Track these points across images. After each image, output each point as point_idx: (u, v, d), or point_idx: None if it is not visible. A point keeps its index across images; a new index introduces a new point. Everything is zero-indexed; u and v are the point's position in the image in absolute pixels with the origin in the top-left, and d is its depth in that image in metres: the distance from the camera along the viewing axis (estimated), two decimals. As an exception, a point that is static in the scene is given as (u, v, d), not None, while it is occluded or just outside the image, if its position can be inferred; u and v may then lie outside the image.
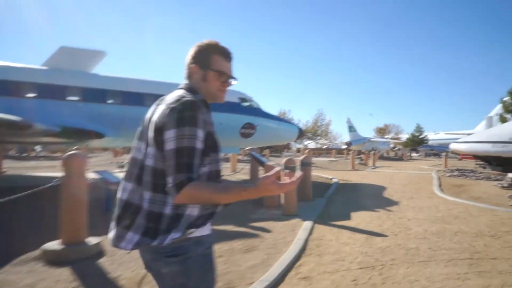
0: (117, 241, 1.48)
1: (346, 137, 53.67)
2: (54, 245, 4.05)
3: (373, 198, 9.32)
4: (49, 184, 4.67)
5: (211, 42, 1.63)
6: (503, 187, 12.18)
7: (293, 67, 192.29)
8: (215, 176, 1.51)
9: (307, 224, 6.00)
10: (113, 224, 1.53)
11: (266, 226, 5.88)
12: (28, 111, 8.66)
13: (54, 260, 3.86)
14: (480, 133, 12.84)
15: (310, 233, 5.50)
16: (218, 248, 4.44)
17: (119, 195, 1.54)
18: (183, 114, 1.39)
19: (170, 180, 1.35)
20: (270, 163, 8.52)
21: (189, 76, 1.63)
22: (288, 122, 14.31)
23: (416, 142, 59.40)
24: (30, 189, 4.52)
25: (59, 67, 9.92)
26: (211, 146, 1.48)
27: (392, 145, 60.51)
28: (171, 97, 1.50)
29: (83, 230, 4.23)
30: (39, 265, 3.81)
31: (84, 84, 9.84)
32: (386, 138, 66.21)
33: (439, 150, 49.38)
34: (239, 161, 32.46)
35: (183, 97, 1.46)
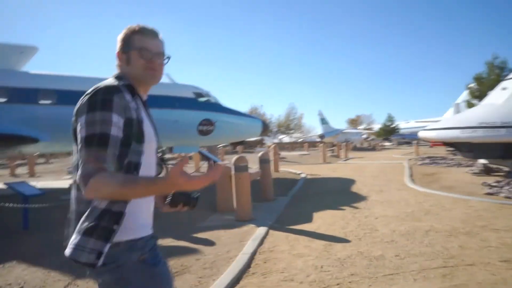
0: (76, 253, 1.28)
1: (319, 130, 53.40)
2: None
3: (341, 194, 8.61)
4: None
5: (131, 25, 1.50)
6: (474, 173, 11.80)
7: (263, 62, 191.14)
8: (133, 169, 1.33)
9: (260, 231, 5.18)
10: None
11: (211, 237, 5.01)
12: None
13: None
14: (448, 119, 12.38)
15: (261, 243, 4.68)
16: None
17: (71, 206, 1.39)
18: (95, 98, 1.28)
19: (79, 171, 1.21)
20: (226, 161, 7.67)
21: (118, 64, 1.50)
22: (250, 116, 13.46)
23: (388, 132, 60.18)
24: None
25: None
26: (134, 135, 1.33)
27: (365, 136, 60.87)
28: (95, 85, 1.36)
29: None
30: None
31: (10, 83, 8.64)
32: (359, 129, 66.59)
33: (411, 138, 49.87)
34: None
35: (101, 83, 1.35)
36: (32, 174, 16.54)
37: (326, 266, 3.75)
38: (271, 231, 5.29)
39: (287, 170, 14.87)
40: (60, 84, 9.22)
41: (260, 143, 62.08)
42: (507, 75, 24.51)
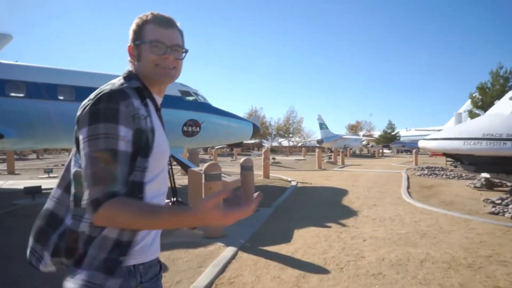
0: (31, 256, 1.20)
1: (319, 134, 52.65)
2: None
3: (330, 207, 7.85)
4: None
5: (139, 17, 1.26)
6: (475, 187, 11.07)
7: (264, 64, 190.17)
8: (137, 191, 1.13)
9: (227, 253, 4.43)
10: (30, 238, 1.21)
11: (167, 260, 4.25)
12: None
13: None
14: (450, 129, 11.63)
15: (222, 270, 3.92)
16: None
17: (46, 204, 1.24)
18: (97, 107, 1.07)
19: (84, 195, 1.03)
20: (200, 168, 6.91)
21: (128, 61, 1.30)
22: (241, 118, 12.70)
23: (388, 139, 59.36)
24: None
25: None
26: (142, 148, 1.13)
27: (365, 142, 60.11)
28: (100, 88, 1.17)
29: None
30: None
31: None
32: (359, 135, 65.84)
33: (411, 147, 49.09)
34: (219, 155, 30.87)
35: (105, 86, 1.16)
36: (11, 171, 15.79)
37: (293, 310, 3.00)
38: (240, 253, 4.54)
39: (278, 176, 14.10)
40: (31, 76, 8.48)
41: (258, 145, 61.45)
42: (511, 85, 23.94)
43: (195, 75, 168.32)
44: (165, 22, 1.25)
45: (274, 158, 25.39)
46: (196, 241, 5.04)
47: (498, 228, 5.80)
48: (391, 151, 57.44)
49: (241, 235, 5.32)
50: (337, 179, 13.90)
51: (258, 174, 13.77)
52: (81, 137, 1.08)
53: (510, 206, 7.67)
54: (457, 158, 10.71)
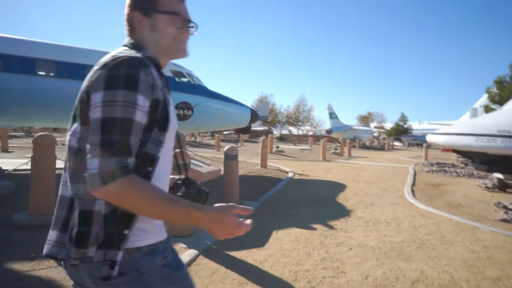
0: (57, 249, 1.08)
1: (329, 124, 51.51)
2: None
3: (321, 204, 7.12)
4: None
5: None
6: (487, 187, 10.20)
7: (276, 51, 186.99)
8: (148, 163, 1.07)
9: (184, 259, 3.75)
10: (53, 231, 1.12)
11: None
12: None
13: None
14: (462, 124, 10.70)
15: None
16: None
17: (59, 190, 1.14)
18: (116, 72, 1.00)
19: (91, 164, 0.95)
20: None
21: (131, 30, 1.21)
22: (238, 103, 11.92)
23: (400, 132, 58.06)
24: None
25: None
26: (159, 121, 1.08)
27: (376, 134, 58.88)
28: (106, 56, 1.08)
29: None
30: None
31: None
32: (369, 126, 64.54)
33: (422, 140, 47.77)
34: (222, 140, 30.27)
35: (120, 53, 1.08)
36: (4, 149, 15.37)
37: None
38: (199, 259, 3.87)
39: (276, 166, 13.37)
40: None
41: (267, 133, 60.62)
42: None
43: (205, 59, 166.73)
44: None
45: (278, 147, 24.64)
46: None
47: (510, 240, 5.02)
48: (402, 144, 56.15)
49: (210, 235, 4.64)
50: (339, 172, 13.12)
51: (255, 163, 13.09)
52: (93, 102, 1.00)
53: (525, 213, 6.87)
54: (469, 155, 9.85)
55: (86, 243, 1.02)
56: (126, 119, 0.97)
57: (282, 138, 53.64)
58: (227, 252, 4.09)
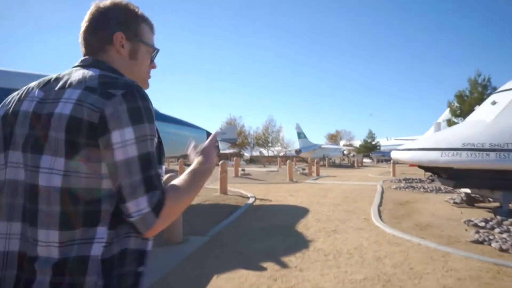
0: None
1: (297, 144, 51.38)
2: None
3: (278, 234, 6.33)
4: None
5: (129, 3, 1.16)
6: (455, 203, 9.80)
7: (243, 72, 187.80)
8: None
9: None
10: None
11: None
12: None
13: None
14: (426, 138, 10.33)
15: None
16: None
17: None
18: (139, 104, 0.95)
19: (139, 205, 0.90)
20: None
21: (97, 49, 1.12)
22: (193, 125, 11.15)
23: (369, 148, 58.83)
24: None
25: None
26: (158, 152, 1.05)
27: (346, 152, 59.33)
28: (92, 79, 0.98)
29: None
30: None
31: None
32: (338, 144, 65.10)
33: (390, 156, 48.49)
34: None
35: (116, 78, 1.01)
36: None
37: None
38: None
39: (238, 191, 12.54)
40: None
41: (237, 155, 59.81)
42: (490, 93, 23.13)
43: (169, 83, 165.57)
44: (153, 28, 1.24)
45: (243, 170, 23.85)
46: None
47: (485, 267, 4.41)
48: (371, 160, 56.76)
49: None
50: (304, 194, 12.44)
51: (215, 189, 12.24)
52: (119, 138, 0.90)
53: (496, 230, 6.36)
54: (435, 171, 9.43)
55: None
56: (154, 153, 0.96)
57: (252, 160, 53.03)
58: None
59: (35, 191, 0.91)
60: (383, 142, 61.13)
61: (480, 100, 21.30)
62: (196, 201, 10.08)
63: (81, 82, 0.96)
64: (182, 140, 10.53)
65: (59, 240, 0.88)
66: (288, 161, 19.90)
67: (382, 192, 12.43)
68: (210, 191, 12.07)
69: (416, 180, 17.02)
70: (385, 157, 54.90)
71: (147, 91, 1.04)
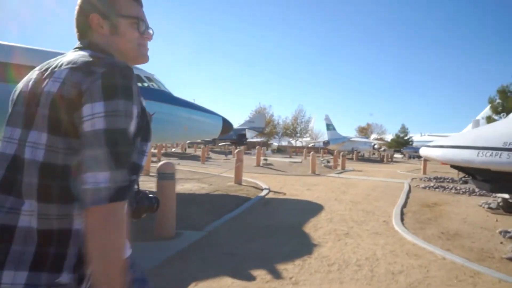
0: None
1: (326, 136, 50.14)
2: None
3: (281, 235, 5.63)
4: None
5: None
6: (490, 208, 8.79)
7: (274, 61, 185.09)
8: (133, 172, 1.00)
9: None
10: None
11: None
12: None
13: None
14: (461, 135, 9.27)
15: None
16: None
17: None
18: (115, 81, 0.94)
19: (96, 178, 0.86)
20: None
21: (85, 32, 1.13)
22: (208, 111, 10.56)
23: (401, 144, 56.76)
24: None
25: None
26: (142, 130, 1.06)
27: (377, 146, 57.52)
28: (79, 59, 1.00)
29: None
30: None
31: None
32: (369, 138, 63.18)
33: (422, 153, 46.41)
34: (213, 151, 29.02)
35: (103, 58, 1.01)
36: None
37: None
38: None
39: (253, 182, 11.92)
40: None
41: (265, 144, 59.20)
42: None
43: (200, 70, 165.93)
44: None
45: (266, 159, 23.21)
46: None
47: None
48: (402, 156, 54.73)
49: None
50: (323, 188, 11.65)
51: (230, 178, 11.69)
52: (90, 113, 0.90)
53: (539, 247, 5.43)
54: (469, 172, 8.42)
55: (61, 267, 0.91)
56: (128, 130, 0.93)
57: (279, 150, 52.33)
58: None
59: (12, 161, 0.95)
60: (417, 137, 58.78)
61: (525, 97, 19.55)
62: (204, 190, 9.56)
63: (70, 62, 0.99)
64: (196, 125, 10.03)
65: (36, 211, 0.90)
66: (311, 153, 18.98)
67: (409, 191, 11.46)
68: (224, 180, 11.54)
69: (448, 180, 15.81)
70: (417, 153, 52.68)
71: (147, 64, 1.14)
